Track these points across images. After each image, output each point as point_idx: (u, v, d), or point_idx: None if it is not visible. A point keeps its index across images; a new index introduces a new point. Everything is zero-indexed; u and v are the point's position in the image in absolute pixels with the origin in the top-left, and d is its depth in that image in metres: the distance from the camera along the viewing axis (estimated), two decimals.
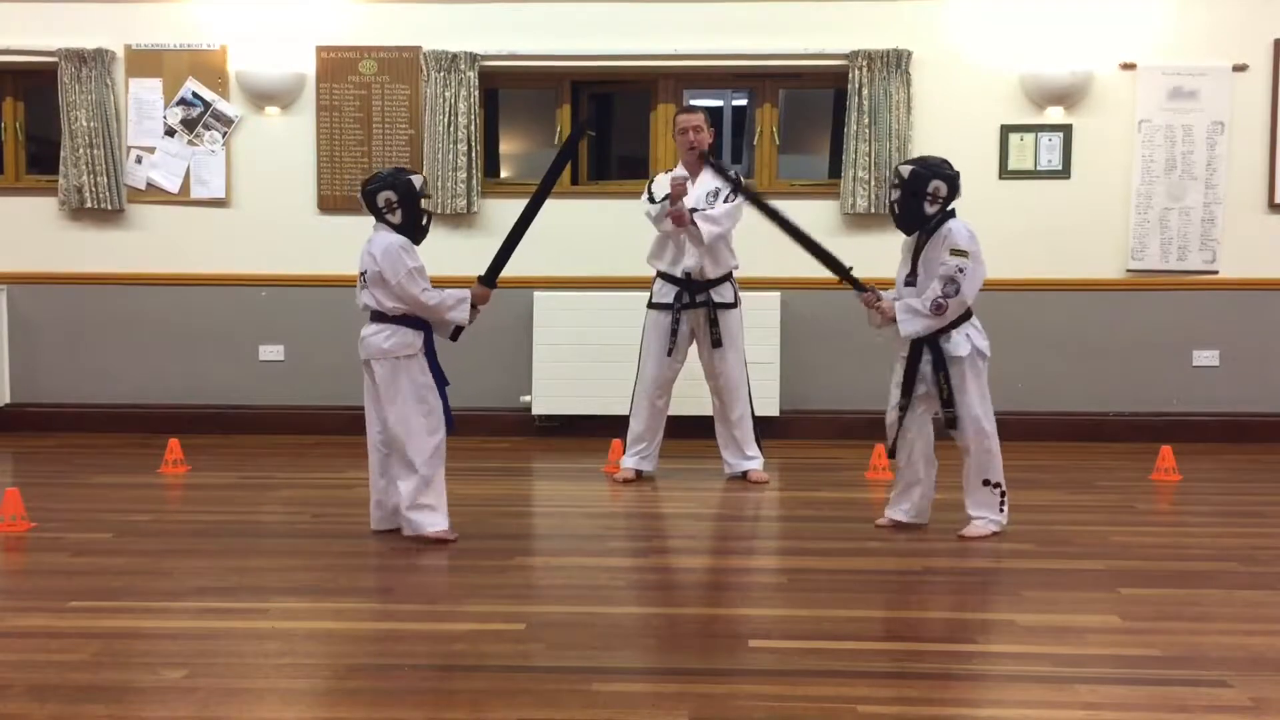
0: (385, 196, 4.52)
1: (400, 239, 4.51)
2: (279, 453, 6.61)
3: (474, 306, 4.65)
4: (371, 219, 4.63)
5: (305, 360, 7.24)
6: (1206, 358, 7.06)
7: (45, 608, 3.76)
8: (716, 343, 5.62)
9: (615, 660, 3.34)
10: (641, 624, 3.69)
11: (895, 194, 4.67)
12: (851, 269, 4.89)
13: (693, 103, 6.04)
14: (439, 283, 7.01)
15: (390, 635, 3.56)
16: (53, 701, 2.98)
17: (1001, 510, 4.67)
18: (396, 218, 4.53)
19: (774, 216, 4.98)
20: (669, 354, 5.65)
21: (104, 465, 6.24)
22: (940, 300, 4.53)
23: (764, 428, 6.69)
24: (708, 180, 5.62)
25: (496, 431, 7.08)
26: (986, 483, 4.64)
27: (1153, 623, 3.64)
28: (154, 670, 3.21)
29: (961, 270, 4.51)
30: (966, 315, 4.65)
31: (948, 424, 4.66)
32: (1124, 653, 3.37)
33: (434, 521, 4.54)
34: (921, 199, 4.57)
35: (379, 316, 4.54)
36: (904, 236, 4.78)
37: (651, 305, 5.75)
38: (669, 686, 3.09)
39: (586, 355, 6.85)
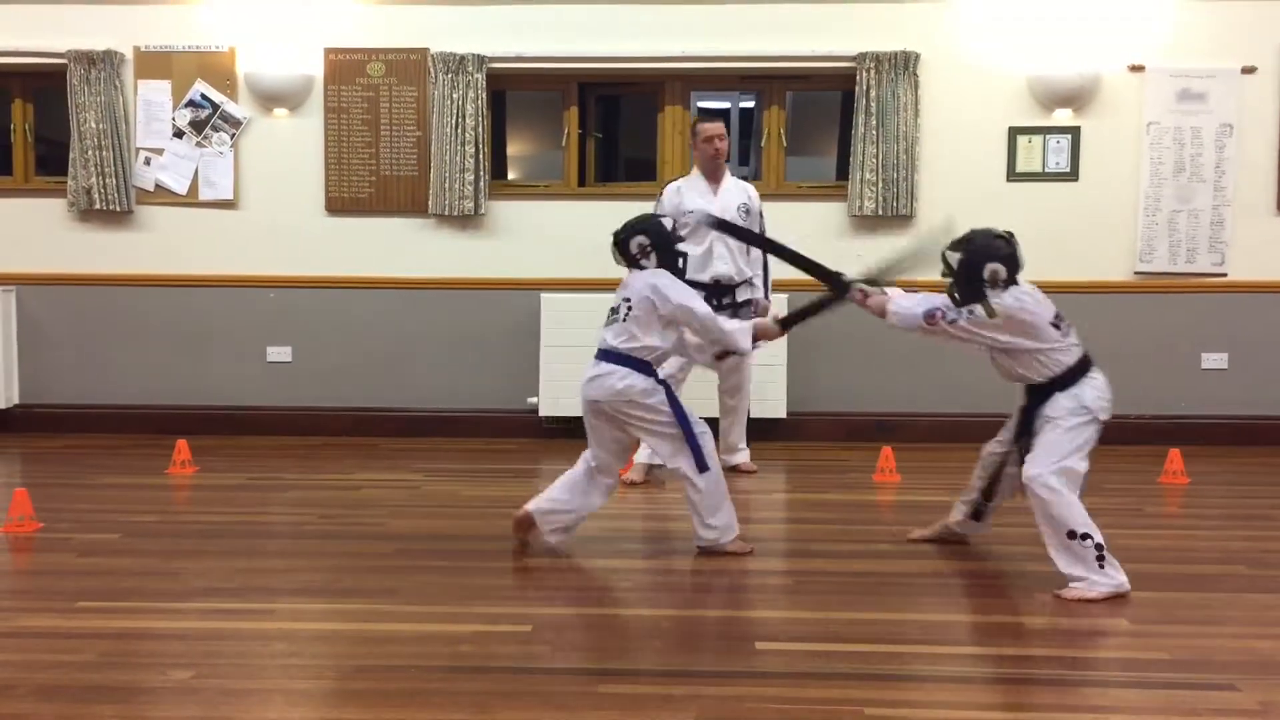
0: (639, 242, 4.39)
1: (664, 270, 4.38)
2: (286, 454, 6.61)
3: (757, 338, 4.47)
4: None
5: (313, 362, 7.25)
6: (1215, 360, 7.04)
7: (53, 608, 3.77)
8: None
9: (622, 662, 3.34)
10: (648, 626, 3.69)
11: (949, 281, 4.10)
12: (841, 279, 4.45)
13: (702, 105, 6.07)
14: (446, 284, 7.10)
15: (397, 636, 3.56)
16: (60, 701, 2.99)
17: (1102, 567, 3.90)
18: (651, 263, 4.40)
19: (762, 244, 4.98)
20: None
21: (112, 466, 6.25)
22: (937, 314, 4.05)
23: (771, 429, 6.71)
24: (735, 192, 5.81)
25: (503, 433, 7.08)
26: (1073, 535, 3.91)
27: (1161, 626, 3.63)
28: (161, 671, 3.22)
29: (973, 314, 4.00)
30: (1084, 369, 4.09)
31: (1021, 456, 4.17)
32: (1132, 656, 3.37)
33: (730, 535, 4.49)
34: (979, 284, 3.98)
35: (612, 357, 4.39)
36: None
37: None
38: (676, 688, 3.09)
39: (590, 357, 6.83)
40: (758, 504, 5.48)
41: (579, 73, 7.14)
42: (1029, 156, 6.98)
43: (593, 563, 4.42)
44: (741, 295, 5.86)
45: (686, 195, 5.77)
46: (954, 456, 6.47)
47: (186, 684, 3.12)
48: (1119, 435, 6.92)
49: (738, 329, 4.43)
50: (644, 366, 4.36)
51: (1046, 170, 6.98)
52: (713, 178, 5.78)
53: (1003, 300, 4.00)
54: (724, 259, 5.74)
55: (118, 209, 7.09)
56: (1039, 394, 4.10)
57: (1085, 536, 3.91)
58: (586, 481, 4.52)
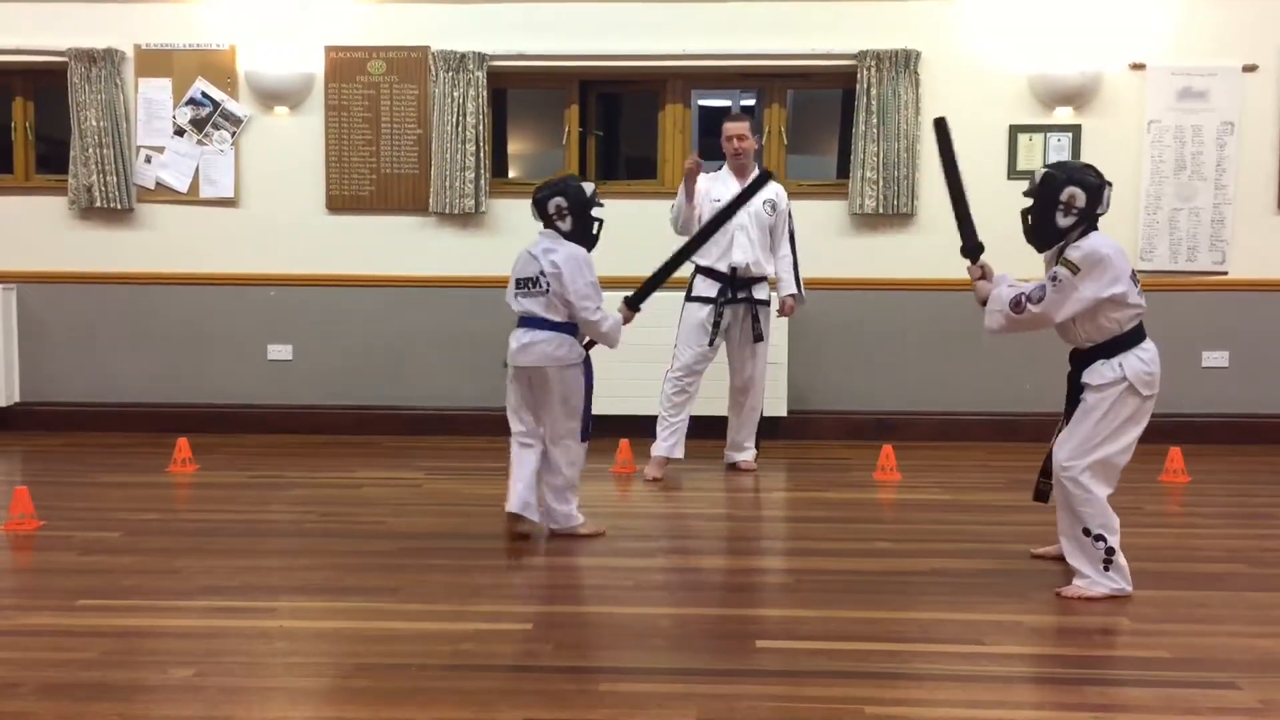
0: (556, 204, 4.51)
1: (584, 251, 4.52)
2: (287, 452, 6.62)
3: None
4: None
5: (313, 360, 7.25)
6: (1216, 359, 7.04)
7: (54, 606, 3.78)
8: (759, 337, 5.89)
9: (622, 660, 3.34)
10: (648, 624, 3.69)
11: (1029, 201, 4.02)
12: (978, 247, 4.37)
13: (704, 103, 6.09)
14: (447, 282, 7.09)
15: (398, 635, 3.56)
16: (62, 700, 2.99)
17: (1107, 570, 3.90)
18: (566, 225, 4.53)
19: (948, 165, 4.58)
20: (710, 344, 5.83)
21: (113, 464, 6.25)
22: (1023, 298, 3.93)
23: (772, 427, 6.71)
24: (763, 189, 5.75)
25: (504, 431, 7.05)
26: (1087, 533, 3.91)
27: (1162, 624, 3.64)
28: (163, 669, 3.22)
29: (1056, 279, 3.84)
30: (1127, 342, 3.89)
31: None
32: (1132, 654, 3.37)
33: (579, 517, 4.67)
34: (1054, 209, 3.88)
35: (541, 323, 4.50)
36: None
37: (691, 299, 5.90)
38: (676, 687, 3.10)
39: (594, 355, 6.83)
40: (758, 502, 5.49)
41: (580, 71, 7.14)
42: (1030, 155, 6.98)
43: (593, 561, 4.42)
44: (760, 292, 5.87)
45: (714, 184, 5.85)
46: (954, 455, 6.49)
47: (188, 682, 3.12)
48: None
49: (612, 325, 4.58)
50: (574, 330, 4.53)
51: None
52: (740, 174, 5.84)
53: (1083, 246, 3.84)
54: (743, 248, 5.78)
55: (118, 207, 7.09)
56: (1082, 359, 3.99)
57: (1099, 539, 3.89)
58: (527, 456, 4.61)
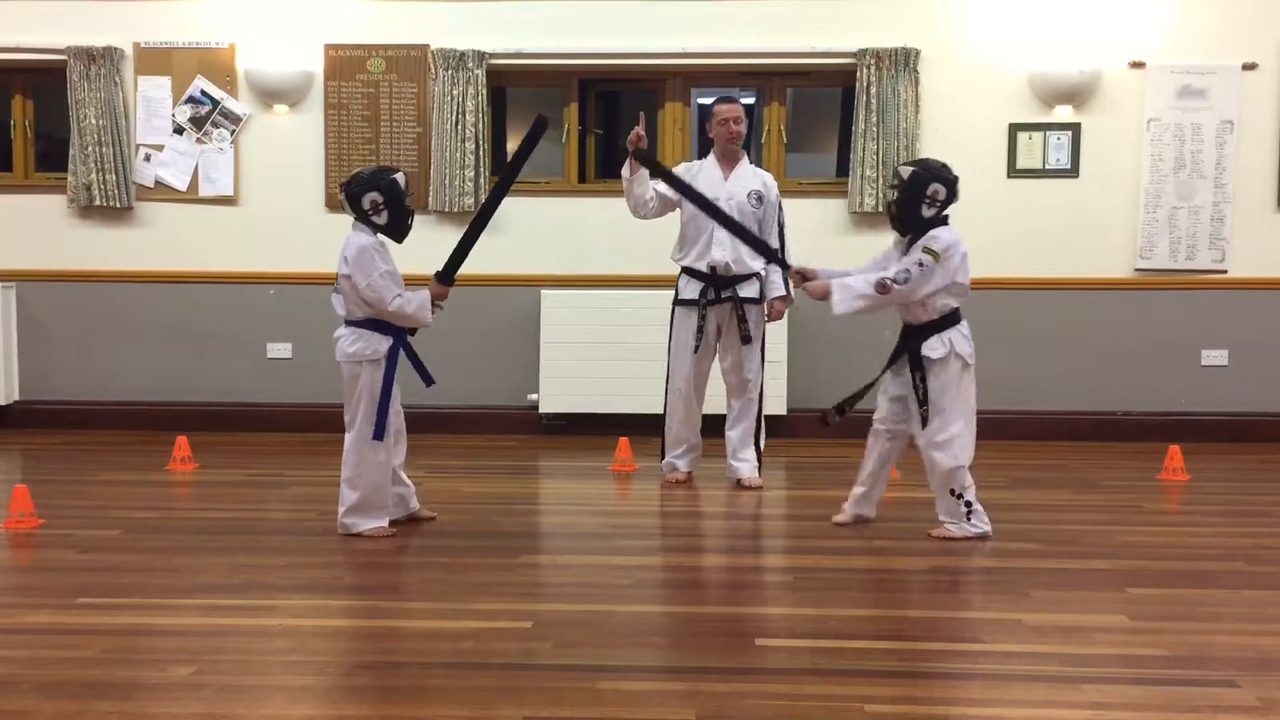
0: (371, 199, 4.48)
1: (372, 240, 4.50)
2: (287, 450, 6.62)
3: (435, 305, 4.63)
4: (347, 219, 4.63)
5: (313, 358, 7.23)
6: (1215, 357, 7.04)
7: (53, 604, 3.77)
8: (746, 339, 5.52)
9: (622, 658, 3.34)
10: (648, 622, 3.69)
11: (894, 194, 4.59)
12: (780, 254, 5.02)
13: (703, 101, 6.02)
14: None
15: (397, 633, 3.56)
16: (61, 698, 2.99)
17: (970, 520, 4.58)
18: (382, 219, 4.52)
19: (693, 197, 5.02)
20: (695, 351, 5.54)
21: (112, 462, 6.25)
22: (888, 281, 4.43)
23: (771, 426, 6.67)
24: (749, 177, 5.54)
25: (503, 429, 7.09)
26: (953, 493, 4.58)
27: (1160, 622, 3.64)
28: (162, 667, 3.22)
29: (922, 265, 4.41)
30: (951, 321, 4.54)
31: (924, 423, 4.56)
32: (1131, 653, 3.37)
33: (373, 521, 4.63)
34: (920, 202, 4.48)
35: (347, 320, 4.57)
36: (894, 237, 4.71)
37: (678, 302, 5.62)
38: (676, 685, 3.10)
39: (593, 354, 6.86)
40: (758, 500, 5.48)
41: (579, 69, 7.14)
42: (1029, 153, 6.98)
43: (593, 559, 4.42)
44: (747, 290, 5.51)
45: (698, 177, 5.47)
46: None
47: (187, 680, 3.12)
48: (1119, 432, 7.01)
49: (417, 306, 4.53)
50: (379, 325, 4.55)
51: (1047, 167, 6.98)
52: (728, 162, 5.53)
53: (943, 238, 4.45)
54: (722, 246, 5.40)
55: (118, 205, 7.09)
56: (917, 333, 4.56)
57: (960, 496, 4.57)
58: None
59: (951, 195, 4.52)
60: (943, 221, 4.54)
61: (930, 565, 4.30)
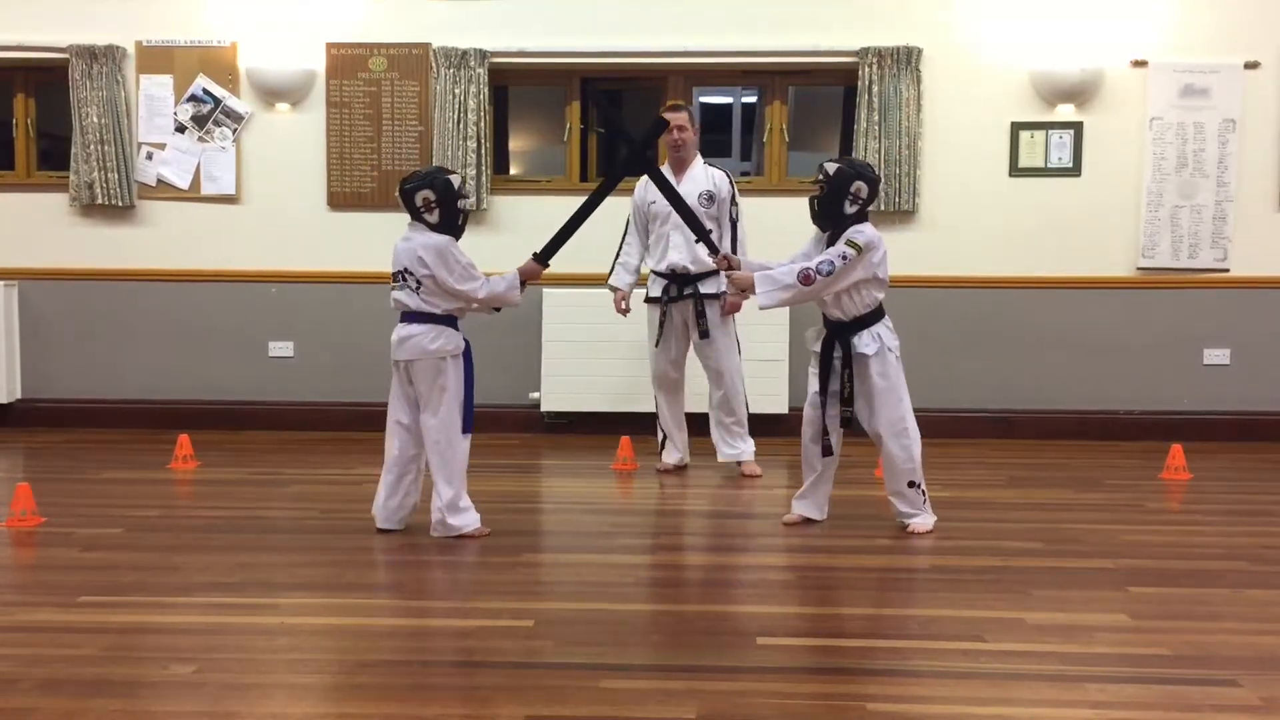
0: (424, 195, 4.51)
1: (444, 237, 4.53)
2: (288, 449, 6.62)
3: (524, 284, 4.70)
4: (392, 218, 4.67)
5: (315, 356, 7.25)
6: (1217, 356, 7.04)
7: (55, 602, 3.78)
8: (704, 334, 5.75)
9: (623, 657, 3.34)
10: (649, 621, 3.69)
11: (818, 190, 4.62)
12: (711, 232, 5.10)
13: (678, 101, 6.05)
14: None
15: (399, 631, 3.57)
16: (63, 696, 2.99)
17: (925, 505, 4.71)
18: (434, 217, 4.53)
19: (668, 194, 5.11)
20: (656, 344, 5.83)
21: (114, 461, 6.26)
22: (810, 271, 4.46)
23: (773, 425, 6.70)
24: (700, 178, 5.76)
25: (505, 428, 7.09)
26: (912, 485, 4.67)
27: (1162, 622, 3.63)
28: (163, 665, 3.22)
29: (845, 257, 4.45)
30: (878, 316, 4.62)
31: (843, 422, 4.66)
32: (1133, 652, 3.37)
33: (471, 520, 4.61)
34: (843, 198, 4.54)
35: (419, 317, 4.52)
36: (815, 232, 4.72)
37: (646, 301, 5.93)
38: (677, 683, 3.10)
39: (595, 353, 6.86)
40: (759, 499, 5.48)
41: (581, 68, 7.14)
42: (1031, 152, 6.97)
43: (594, 558, 4.42)
44: (707, 287, 5.73)
45: (650, 187, 5.68)
46: (954, 452, 6.48)
47: (189, 678, 3.12)
48: (1120, 431, 7.00)
49: (506, 287, 4.62)
50: (454, 321, 4.56)
51: (1049, 165, 6.98)
52: (677, 168, 5.79)
53: (865, 233, 4.52)
54: (679, 248, 5.70)
55: (119, 204, 7.09)
56: (843, 330, 4.62)
57: (914, 485, 4.66)
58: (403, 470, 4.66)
59: (873, 194, 4.61)
60: (864, 218, 4.60)
61: (931, 564, 4.30)
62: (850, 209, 4.56)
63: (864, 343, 4.58)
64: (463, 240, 7.21)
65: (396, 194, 4.65)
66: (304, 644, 3.43)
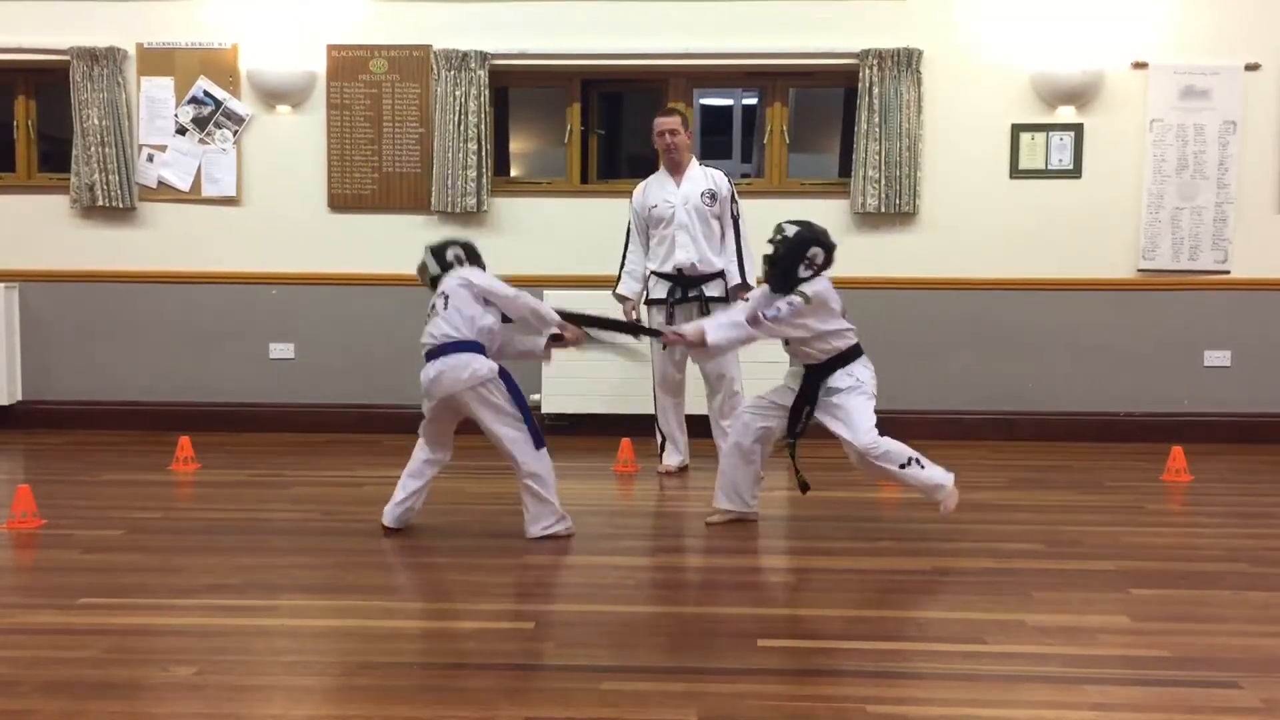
0: (454, 252, 4.70)
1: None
2: (289, 450, 6.62)
3: (560, 338, 4.71)
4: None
5: (315, 358, 7.25)
6: (1218, 358, 7.04)
7: (56, 604, 3.78)
8: None
9: (624, 659, 3.34)
10: (650, 623, 3.69)
11: (772, 250, 4.63)
12: (639, 325, 5.14)
13: (673, 105, 6.08)
14: None
15: (399, 633, 3.57)
16: (63, 698, 2.99)
17: (923, 467, 4.60)
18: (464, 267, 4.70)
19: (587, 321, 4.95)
20: (664, 347, 5.78)
21: (115, 462, 6.26)
22: (759, 314, 4.52)
23: None
24: (699, 178, 5.80)
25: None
26: (904, 465, 4.58)
27: (1163, 624, 3.63)
28: (164, 667, 3.22)
29: (792, 304, 4.48)
30: (854, 355, 4.65)
31: (789, 450, 4.76)
32: (1134, 653, 3.37)
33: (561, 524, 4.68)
34: (798, 262, 4.57)
35: (442, 350, 4.51)
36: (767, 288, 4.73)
37: (648, 302, 5.92)
38: (678, 685, 3.10)
39: (596, 354, 6.83)
40: (760, 502, 5.48)
41: (582, 69, 7.14)
42: (1032, 153, 6.98)
43: (595, 560, 4.42)
44: (712, 290, 5.77)
45: (650, 191, 5.86)
46: (955, 453, 6.48)
47: (189, 680, 3.12)
48: (1121, 433, 7.00)
49: (540, 304, 4.66)
50: (480, 349, 4.55)
51: (1049, 167, 6.98)
52: (674, 170, 5.83)
53: (814, 285, 4.54)
54: (685, 248, 5.73)
55: (120, 206, 7.09)
56: (819, 370, 4.64)
57: (907, 463, 4.56)
58: (423, 469, 4.75)
59: (828, 261, 4.62)
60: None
61: (932, 566, 4.30)
62: (804, 273, 4.58)
63: (838, 380, 4.62)
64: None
65: (423, 261, 4.72)
66: (305, 646, 3.43)
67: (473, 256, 4.76)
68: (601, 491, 5.70)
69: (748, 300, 4.83)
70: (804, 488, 4.83)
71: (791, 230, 4.61)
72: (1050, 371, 7.04)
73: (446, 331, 4.51)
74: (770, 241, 4.67)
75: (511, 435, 4.53)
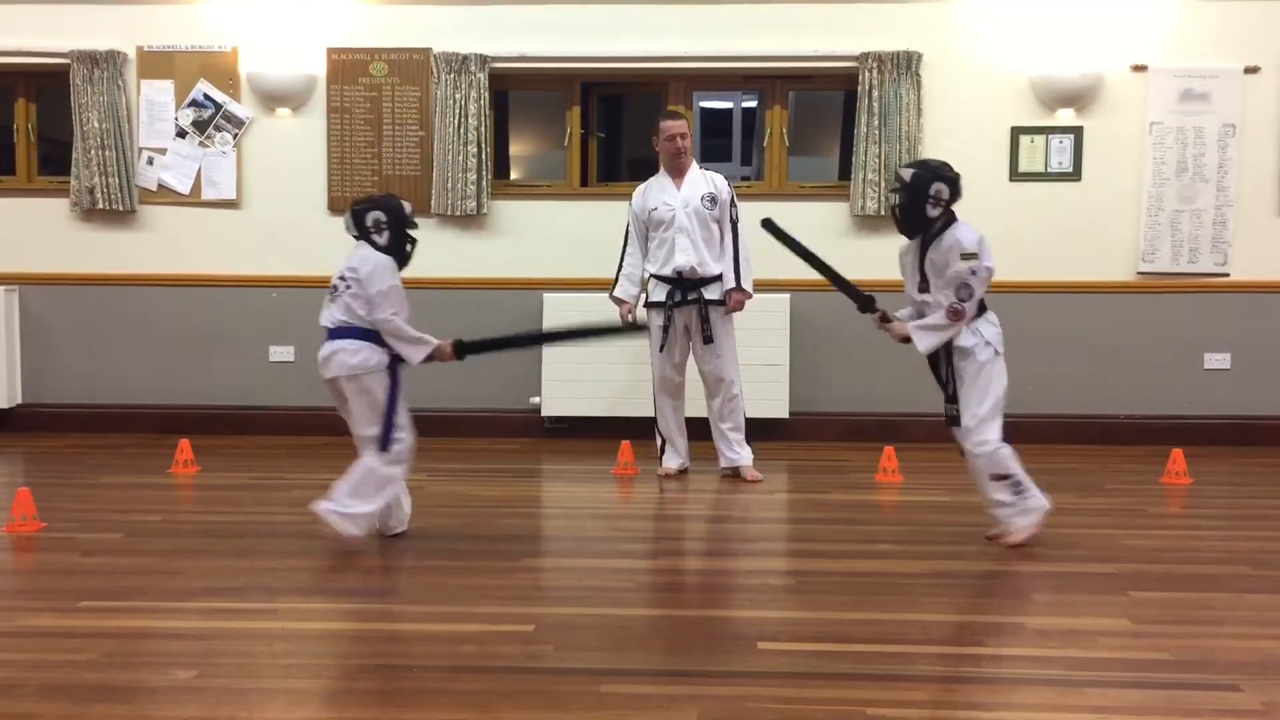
0: (374, 216, 4.54)
1: (388, 258, 4.53)
2: (289, 453, 6.62)
3: (432, 357, 4.59)
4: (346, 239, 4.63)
5: (315, 361, 7.23)
6: (1218, 361, 7.03)
7: (56, 607, 3.78)
8: (708, 339, 5.76)
9: (624, 662, 3.34)
10: (650, 626, 3.69)
11: (896, 198, 4.61)
12: (871, 298, 4.86)
13: (675, 108, 6.08)
14: (448, 283, 7.08)
15: (399, 636, 3.56)
16: (63, 701, 2.99)
17: (1020, 494, 4.48)
18: (383, 239, 4.55)
19: (799, 250, 4.95)
20: (661, 349, 5.80)
21: (115, 465, 6.26)
22: (957, 306, 4.47)
23: (773, 429, 6.71)
24: (700, 182, 5.80)
25: (505, 433, 7.09)
26: (996, 478, 4.48)
27: (1163, 626, 3.63)
28: (164, 670, 3.22)
29: (974, 272, 4.44)
30: (983, 309, 4.60)
31: (949, 421, 4.60)
32: (1134, 656, 3.36)
33: (356, 531, 4.51)
34: (924, 202, 4.48)
35: (337, 332, 4.49)
36: (901, 244, 4.71)
37: (647, 305, 5.90)
38: (678, 688, 3.09)
39: (595, 357, 6.85)
40: (759, 504, 5.48)
41: (582, 72, 7.15)
42: (1032, 156, 6.98)
43: (594, 562, 4.42)
44: (711, 293, 5.76)
45: (650, 194, 5.85)
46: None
47: (189, 683, 3.12)
48: (1121, 435, 7.00)
49: (414, 341, 4.53)
50: (376, 338, 4.49)
51: (1049, 170, 6.98)
52: (676, 174, 5.82)
53: (967, 239, 4.45)
54: (685, 251, 5.72)
55: (120, 209, 7.10)
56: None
57: (1004, 477, 4.46)
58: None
59: (955, 193, 4.52)
60: (951, 218, 4.52)
61: (933, 569, 4.30)
62: (933, 211, 4.48)
63: (963, 337, 4.54)
64: (463, 242, 7.28)
65: (346, 215, 4.62)
66: (304, 649, 3.43)
67: (397, 222, 4.55)
68: (601, 494, 5.70)
69: (877, 308, 4.77)
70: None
71: (909, 174, 4.52)
72: (1050, 374, 7.03)
73: (342, 319, 4.48)
74: (892, 190, 4.59)
75: (368, 434, 4.51)
